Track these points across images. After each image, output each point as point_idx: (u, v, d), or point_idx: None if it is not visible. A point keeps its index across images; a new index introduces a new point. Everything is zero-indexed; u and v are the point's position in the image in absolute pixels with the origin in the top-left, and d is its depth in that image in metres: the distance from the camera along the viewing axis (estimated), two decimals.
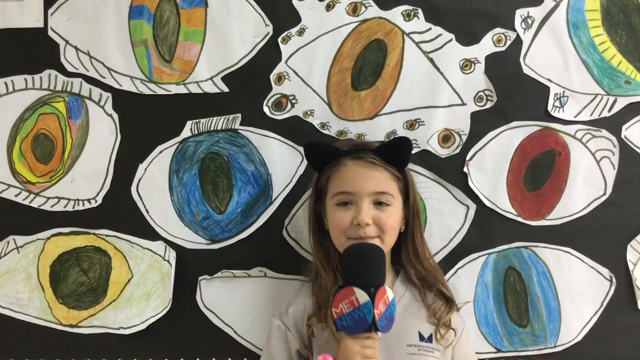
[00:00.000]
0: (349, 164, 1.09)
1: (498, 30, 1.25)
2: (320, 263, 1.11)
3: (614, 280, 1.24)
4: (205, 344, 1.27)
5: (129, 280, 1.27)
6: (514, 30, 1.25)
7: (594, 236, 1.24)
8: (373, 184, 1.06)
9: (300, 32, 1.26)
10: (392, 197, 1.07)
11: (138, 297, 1.27)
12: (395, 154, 1.09)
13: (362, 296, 0.92)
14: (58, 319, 1.28)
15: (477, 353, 1.22)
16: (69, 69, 1.29)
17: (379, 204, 1.06)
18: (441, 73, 1.26)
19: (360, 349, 0.93)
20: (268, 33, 1.27)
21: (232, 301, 1.27)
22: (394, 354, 1.04)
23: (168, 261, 1.27)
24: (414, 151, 1.25)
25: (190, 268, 1.27)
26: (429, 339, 1.06)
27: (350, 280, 0.95)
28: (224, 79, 1.27)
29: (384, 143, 1.12)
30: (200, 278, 1.26)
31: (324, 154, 1.12)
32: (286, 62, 1.27)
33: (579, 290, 1.24)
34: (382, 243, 1.05)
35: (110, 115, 1.28)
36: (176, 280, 1.26)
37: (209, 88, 1.27)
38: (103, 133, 1.28)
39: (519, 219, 1.25)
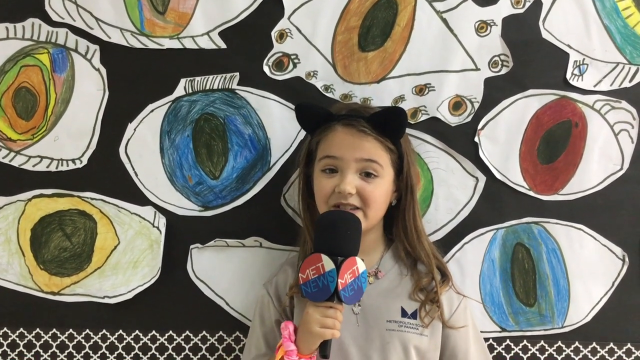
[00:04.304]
0: (338, 130, 1.04)
1: None
2: (306, 228, 1.08)
3: (626, 259, 1.19)
4: (195, 315, 1.21)
5: (116, 247, 1.20)
6: None
7: (608, 213, 1.19)
8: (360, 152, 1.01)
9: None
10: (380, 168, 1.01)
11: (125, 264, 1.20)
12: (387, 124, 1.03)
13: (327, 264, 0.90)
14: (39, 285, 1.21)
15: (480, 332, 1.17)
16: (54, 18, 1.19)
17: (366, 175, 1.01)
18: (455, 35, 1.18)
19: (319, 317, 0.91)
20: None
21: (225, 272, 1.21)
22: (372, 329, 1.01)
23: (157, 228, 1.20)
24: (422, 118, 1.19)
25: (181, 236, 1.21)
26: (413, 316, 1.02)
27: (318, 246, 0.93)
28: (221, 34, 1.19)
29: (376, 112, 1.05)
30: (191, 246, 1.20)
31: (315, 116, 1.07)
32: (289, 18, 1.18)
33: (589, 269, 1.19)
34: (365, 217, 1.00)
35: (98, 70, 1.20)
36: (166, 248, 1.20)
37: (205, 44, 1.19)
38: (89, 88, 1.20)
39: (531, 193, 1.19)
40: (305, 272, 0.91)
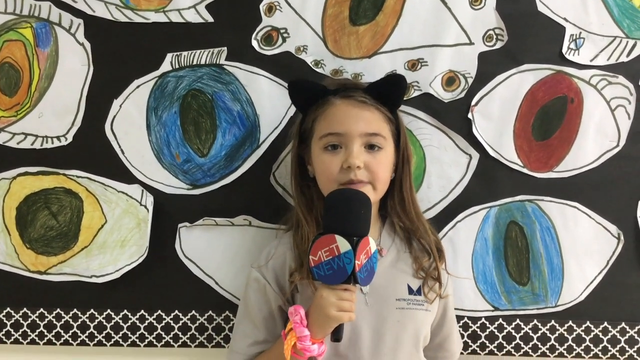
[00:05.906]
0: (337, 104, 1.01)
1: None
2: (302, 212, 1.04)
3: (621, 237, 1.17)
4: (184, 295, 1.20)
5: (103, 226, 1.18)
6: None
7: (603, 190, 1.17)
8: (364, 125, 0.98)
9: None
10: (384, 140, 0.99)
11: (112, 243, 1.18)
12: (388, 92, 1.01)
13: (343, 245, 0.86)
14: (25, 264, 1.19)
15: (473, 311, 1.19)
16: None
17: (370, 147, 0.98)
18: (448, 8, 1.15)
19: (336, 300, 0.87)
20: None
21: (214, 251, 1.19)
22: (383, 308, 0.99)
23: (145, 206, 1.18)
24: (415, 94, 1.16)
25: (169, 214, 1.19)
26: (418, 292, 1.01)
27: (331, 227, 0.88)
28: (208, 7, 1.16)
29: (375, 81, 1.03)
30: (179, 225, 1.18)
31: (310, 92, 1.03)
32: None
33: (584, 248, 1.18)
34: (374, 190, 0.98)
35: (82, 45, 1.17)
36: (154, 227, 1.18)
37: (192, 17, 1.16)
38: (74, 64, 1.17)
39: (525, 170, 1.17)
40: (316, 254, 0.87)
